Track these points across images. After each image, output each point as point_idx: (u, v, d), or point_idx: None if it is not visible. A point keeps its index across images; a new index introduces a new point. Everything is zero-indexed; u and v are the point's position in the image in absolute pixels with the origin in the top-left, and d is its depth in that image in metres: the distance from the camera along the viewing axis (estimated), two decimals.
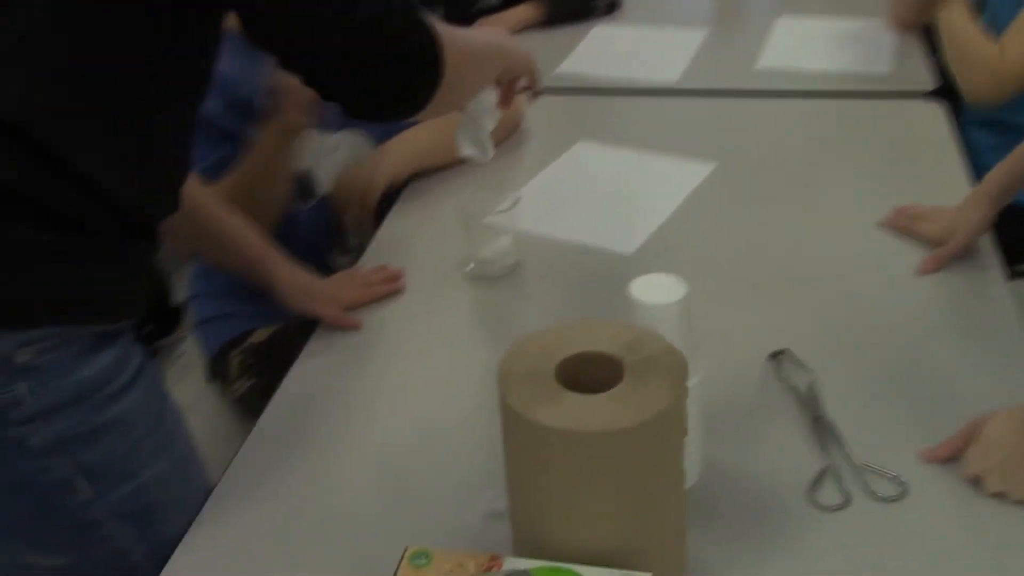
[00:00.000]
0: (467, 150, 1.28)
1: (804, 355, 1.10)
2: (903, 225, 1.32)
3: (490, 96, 1.26)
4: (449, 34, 0.97)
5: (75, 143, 0.82)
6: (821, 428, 1.00)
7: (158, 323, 2.75)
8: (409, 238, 1.43)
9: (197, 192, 1.21)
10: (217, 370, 1.54)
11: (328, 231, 1.54)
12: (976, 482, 0.92)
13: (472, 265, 1.32)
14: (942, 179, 1.46)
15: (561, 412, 0.72)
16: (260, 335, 1.49)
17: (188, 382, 2.65)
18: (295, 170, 1.48)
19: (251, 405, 1.22)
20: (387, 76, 0.92)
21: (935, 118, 1.65)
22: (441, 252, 1.36)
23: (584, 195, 1.43)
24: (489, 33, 1.21)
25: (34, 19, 0.79)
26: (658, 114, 1.77)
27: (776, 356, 1.10)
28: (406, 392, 1.13)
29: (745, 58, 1.95)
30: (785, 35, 2.05)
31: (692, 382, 0.88)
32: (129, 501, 0.92)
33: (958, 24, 1.73)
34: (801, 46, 1.99)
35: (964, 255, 1.25)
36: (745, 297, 1.23)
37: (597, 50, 2.07)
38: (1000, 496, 0.90)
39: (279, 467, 1.02)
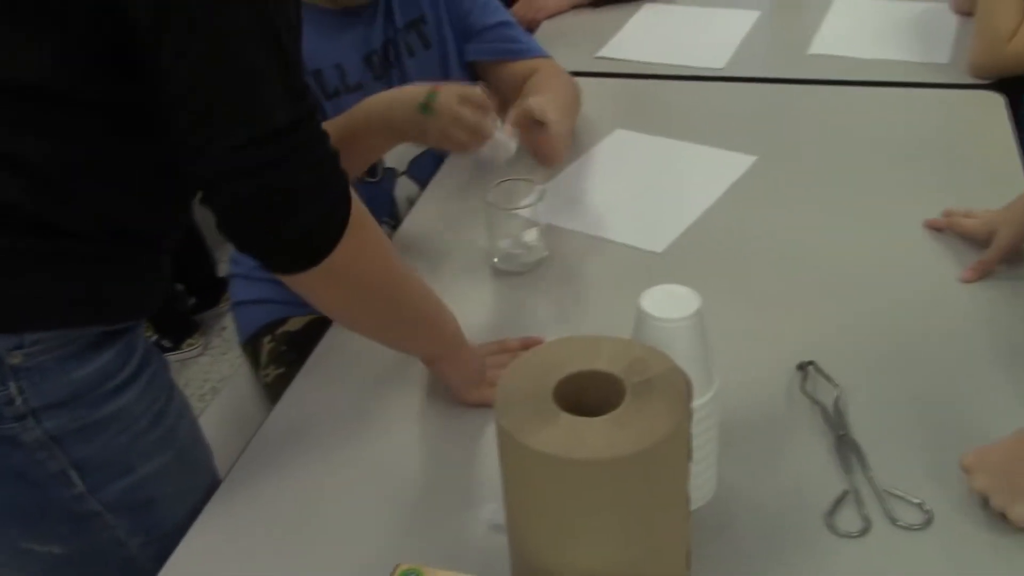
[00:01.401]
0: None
1: (834, 367, 1.05)
2: (946, 223, 1.26)
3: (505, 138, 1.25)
4: (385, 252, 0.93)
5: (65, 165, 0.81)
6: (845, 447, 0.95)
7: (201, 296, 2.77)
8: (433, 228, 1.40)
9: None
10: (249, 354, 1.54)
11: (381, 206, 1.51)
12: (986, 502, 0.87)
13: (497, 259, 1.29)
14: (998, 177, 1.38)
15: (555, 436, 0.69)
16: (295, 323, 1.47)
17: (229, 356, 2.69)
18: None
19: (278, 393, 1.20)
20: (268, 223, 0.83)
21: (994, 111, 1.57)
22: (465, 244, 1.33)
23: (617, 187, 1.38)
24: (439, 305, 1.04)
25: (24, 51, 0.78)
26: (701, 101, 1.71)
27: (803, 368, 1.05)
28: (418, 393, 1.10)
29: (797, 43, 1.87)
30: (842, 18, 1.97)
31: (704, 399, 0.85)
32: (126, 495, 0.92)
33: None
34: (858, 30, 1.91)
35: (1009, 260, 1.18)
36: (777, 302, 1.18)
37: (643, 32, 2.01)
38: (1002, 515, 0.86)
39: (284, 468, 1.01)
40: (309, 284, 0.88)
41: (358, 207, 0.87)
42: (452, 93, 1.21)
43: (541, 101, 1.35)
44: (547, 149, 1.33)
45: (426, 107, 1.20)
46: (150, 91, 0.79)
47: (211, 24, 0.75)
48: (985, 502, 0.87)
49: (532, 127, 1.34)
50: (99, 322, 0.86)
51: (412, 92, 1.24)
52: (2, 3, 0.76)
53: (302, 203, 0.82)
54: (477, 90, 1.23)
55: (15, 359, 0.81)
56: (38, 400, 0.83)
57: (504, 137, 1.25)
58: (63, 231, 0.82)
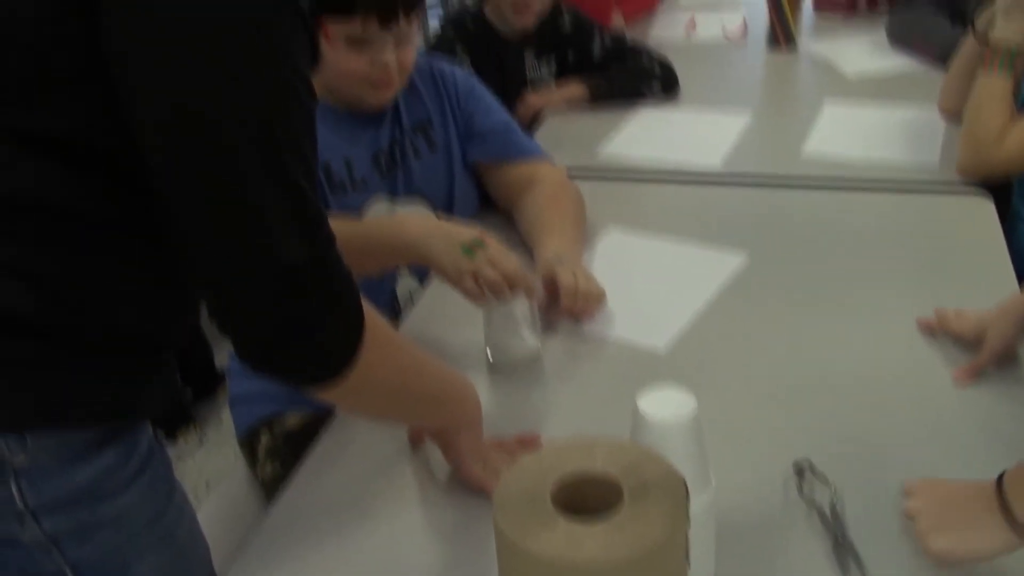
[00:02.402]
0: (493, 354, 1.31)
1: (830, 466, 1.05)
2: (937, 323, 1.28)
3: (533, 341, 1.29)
4: (400, 352, 0.96)
5: (67, 274, 0.81)
6: (842, 551, 0.95)
7: (198, 387, 2.76)
8: (434, 325, 1.41)
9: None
10: (246, 450, 1.54)
11: (382, 302, 1.53)
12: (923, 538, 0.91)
13: (492, 355, 1.30)
14: (987, 277, 1.41)
15: (554, 541, 0.69)
16: (292, 420, 1.48)
17: (225, 450, 2.67)
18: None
19: (275, 490, 1.20)
20: (278, 342, 0.83)
21: (983, 214, 1.61)
22: (465, 341, 1.35)
23: (612, 286, 1.41)
24: (460, 381, 1.09)
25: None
26: (696, 201, 1.75)
27: (799, 469, 1.06)
28: (416, 492, 1.10)
29: (790, 145, 1.92)
30: (832, 121, 2.03)
31: (701, 501, 0.85)
32: None
33: (988, 92, 1.68)
34: (849, 133, 1.96)
35: (1001, 363, 1.20)
36: (772, 401, 1.19)
37: (643, 132, 2.06)
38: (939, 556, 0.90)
39: (282, 566, 1.00)
40: (329, 396, 0.90)
41: (371, 318, 0.89)
42: (498, 249, 1.26)
43: (577, 283, 1.36)
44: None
45: (470, 250, 1.25)
46: (157, 212, 0.80)
47: (216, 168, 0.76)
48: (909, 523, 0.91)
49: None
50: (103, 422, 0.86)
51: (454, 230, 1.29)
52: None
53: (318, 331, 0.83)
54: (519, 266, 1.27)
55: (17, 459, 0.81)
56: (38, 501, 0.83)
57: (533, 340, 1.30)
58: (66, 336, 0.82)
